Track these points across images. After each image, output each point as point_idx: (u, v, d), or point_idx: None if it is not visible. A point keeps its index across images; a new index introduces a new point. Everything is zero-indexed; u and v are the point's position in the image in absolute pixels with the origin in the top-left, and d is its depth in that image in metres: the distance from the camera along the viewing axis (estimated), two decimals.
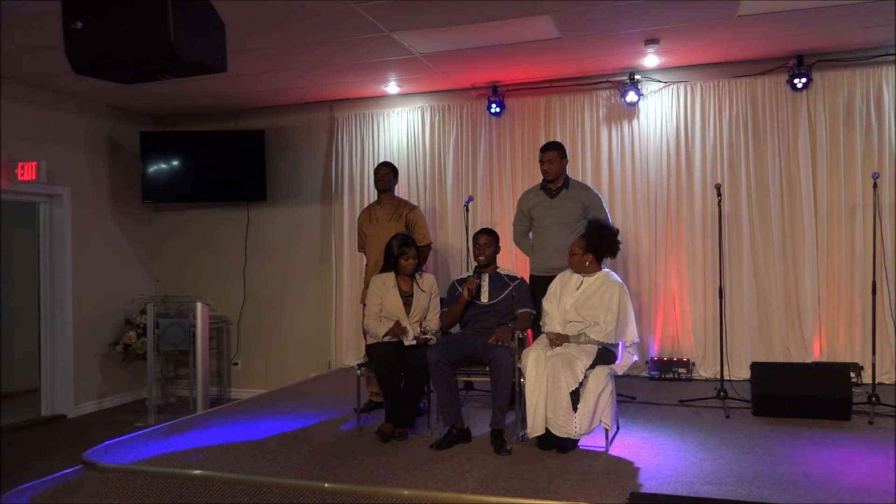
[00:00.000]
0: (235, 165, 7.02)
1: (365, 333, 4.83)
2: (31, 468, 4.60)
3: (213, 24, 3.12)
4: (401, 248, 4.48)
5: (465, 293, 4.39)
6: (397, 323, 4.38)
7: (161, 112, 7.35)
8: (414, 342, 4.32)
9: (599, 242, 4.19)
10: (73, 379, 6.46)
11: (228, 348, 7.32)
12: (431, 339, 4.40)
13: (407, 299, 4.50)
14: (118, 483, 3.70)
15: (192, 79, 3.42)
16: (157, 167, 7.06)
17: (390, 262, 4.54)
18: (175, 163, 7.08)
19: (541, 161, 4.79)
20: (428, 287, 4.57)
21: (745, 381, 5.24)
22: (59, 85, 6.15)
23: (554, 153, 4.76)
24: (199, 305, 5.96)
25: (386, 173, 5.34)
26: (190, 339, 6.56)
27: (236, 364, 7.33)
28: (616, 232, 4.31)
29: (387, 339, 4.35)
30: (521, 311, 4.39)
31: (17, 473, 4.46)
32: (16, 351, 7.15)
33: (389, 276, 4.54)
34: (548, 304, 4.25)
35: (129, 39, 2.88)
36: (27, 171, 5.96)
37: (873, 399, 4.52)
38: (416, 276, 4.57)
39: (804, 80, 5.55)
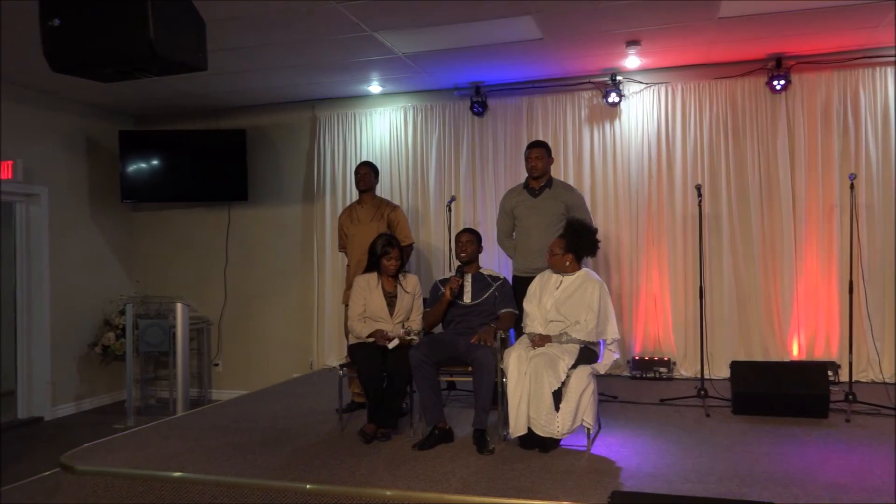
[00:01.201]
0: (216, 165, 6.97)
1: (347, 334, 4.82)
2: (8, 471, 4.53)
3: (193, 22, 3.10)
4: (384, 248, 4.47)
5: (448, 292, 4.39)
6: (380, 332, 4.36)
7: (141, 111, 7.27)
8: (397, 343, 4.30)
9: (579, 242, 4.21)
10: (51, 381, 6.37)
11: (209, 349, 7.26)
12: (414, 339, 4.39)
13: (390, 300, 4.49)
14: (97, 486, 3.66)
15: (172, 77, 3.38)
16: (137, 166, 6.99)
17: (373, 262, 4.53)
18: (155, 162, 7.01)
19: (527, 158, 4.80)
20: (411, 287, 4.56)
21: (724, 379, 5.29)
22: (37, 83, 6.06)
23: (541, 150, 4.79)
24: (179, 306, 5.91)
25: (367, 173, 5.32)
26: (170, 339, 6.51)
27: (217, 365, 7.27)
28: (595, 231, 4.33)
29: (370, 340, 4.34)
30: (503, 311, 4.40)
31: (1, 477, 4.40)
32: None
33: (373, 277, 4.53)
34: (528, 304, 4.26)
35: (108, 37, 2.85)
36: (3, 170, 5.88)
37: (850, 397, 4.58)
38: (400, 276, 4.56)
39: (783, 82, 5.62)
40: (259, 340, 7.14)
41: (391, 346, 4.25)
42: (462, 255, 4.46)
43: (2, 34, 4.75)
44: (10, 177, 5.91)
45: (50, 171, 6.46)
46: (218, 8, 4.26)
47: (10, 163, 5.91)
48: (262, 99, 6.86)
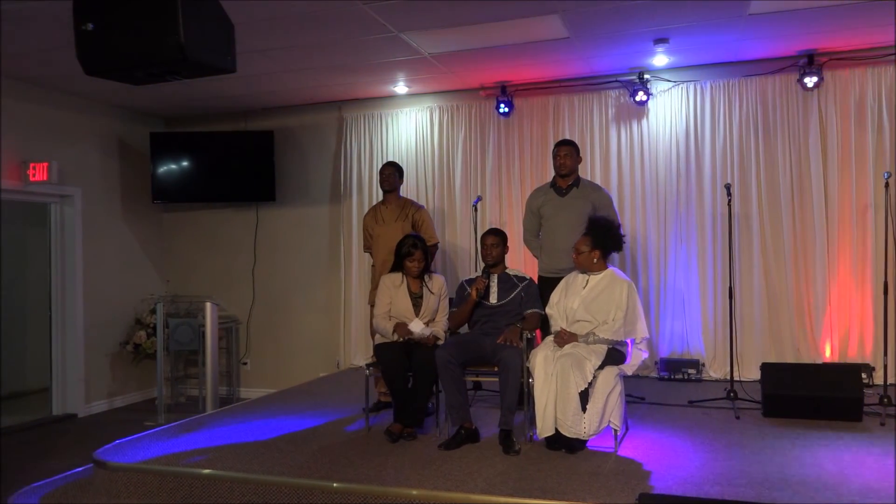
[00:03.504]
0: (245, 166, 7.04)
1: (373, 334, 4.84)
2: (42, 467, 4.63)
3: (222, 25, 3.13)
4: (408, 249, 4.49)
5: (474, 293, 4.38)
6: (401, 325, 4.38)
7: (171, 113, 7.38)
8: (423, 333, 4.31)
9: (605, 238, 4.18)
10: (84, 378, 6.50)
11: (238, 348, 7.35)
12: (440, 338, 4.40)
13: (416, 300, 4.50)
14: (128, 482, 3.72)
15: (201, 80, 3.43)
16: (167, 168, 7.09)
17: (399, 262, 4.55)
18: (185, 163, 7.11)
19: (555, 155, 4.78)
20: (437, 288, 4.57)
21: (755, 381, 5.22)
22: (71, 86, 6.19)
23: (570, 148, 4.77)
24: (208, 305, 5.98)
25: (391, 173, 5.33)
26: (199, 338, 6.59)
27: (245, 364, 7.35)
28: (619, 226, 4.30)
29: (395, 337, 4.36)
30: (529, 311, 4.38)
31: (28, 472, 4.49)
32: (27, 350, 7.20)
33: (398, 277, 4.54)
34: (549, 309, 4.26)
35: (139, 41, 2.90)
36: (38, 172, 6.01)
37: (885, 400, 4.49)
38: (426, 277, 4.57)
39: (815, 79, 5.52)
40: (287, 340, 7.20)
41: (417, 330, 4.28)
42: (488, 258, 4.45)
43: (37, 38, 4.85)
44: (45, 178, 6.03)
45: (83, 173, 6.58)
46: (246, 10, 4.30)
47: (45, 165, 6.03)
48: (289, 100, 6.92)
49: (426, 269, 4.57)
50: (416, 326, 4.35)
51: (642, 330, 4.11)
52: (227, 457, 3.89)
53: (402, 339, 4.34)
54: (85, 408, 6.51)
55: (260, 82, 6.18)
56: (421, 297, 4.51)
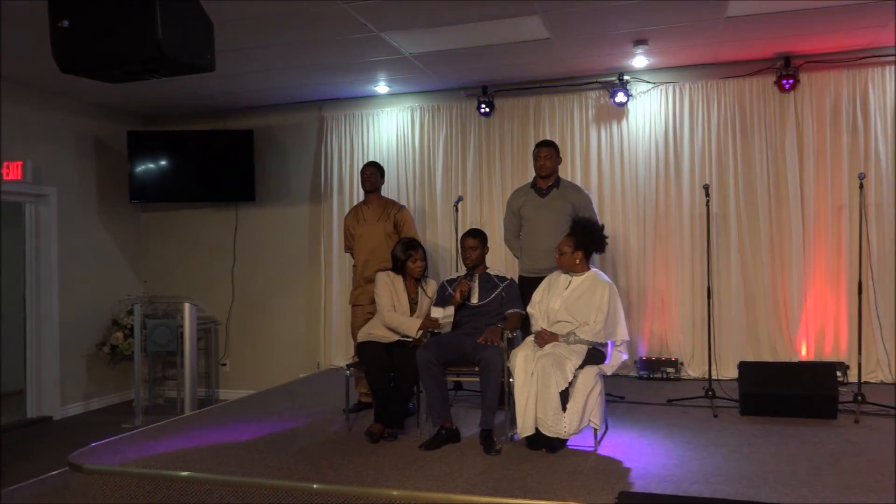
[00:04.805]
0: (224, 165, 6.99)
1: (354, 334, 4.83)
2: (17, 470, 4.56)
3: (201, 23, 3.11)
4: (406, 252, 4.50)
5: (458, 296, 4.39)
6: (428, 316, 4.39)
7: (149, 111, 7.30)
8: (447, 315, 4.38)
9: (588, 239, 4.20)
10: (60, 380, 6.41)
11: (216, 349, 7.29)
12: (423, 339, 4.41)
13: (412, 305, 4.52)
14: (105, 485, 3.67)
15: (180, 78, 3.40)
16: (145, 167, 7.02)
17: (398, 268, 4.54)
18: (163, 163, 7.04)
19: (536, 157, 4.80)
20: (432, 292, 4.60)
21: (732, 380, 5.27)
22: (46, 84, 6.10)
23: (550, 149, 4.79)
24: (186, 306, 5.92)
25: (373, 173, 5.32)
26: (178, 339, 6.53)
27: (224, 365, 7.29)
28: (602, 227, 4.32)
29: (419, 335, 4.35)
30: (510, 311, 4.39)
31: (3, 476, 4.42)
32: (1, 352, 7.08)
33: (398, 279, 4.54)
34: (530, 308, 4.28)
35: (116, 38, 2.87)
36: (13, 171, 5.92)
37: (859, 398, 4.56)
38: (422, 281, 4.58)
39: (791, 81, 5.60)
40: (266, 340, 7.15)
41: (437, 316, 4.37)
42: (468, 261, 4.46)
43: (11, 36, 4.78)
44: (19, 177, 5.94)
45: (59, 172, 6.49)
46: (225, 9, 4.27)
47: (19, 163, 5.94)
48: (269, 99, 6.88)
49: (425, 269, 4.58)
50: (438, 313, 4.39)
51: (623, 333, 4.13)
52: (205, 459, 3.86)
53: (424, 333, 4.36)
54: (60, 410, 6.42)
55: (239, 81, 6.13)
56: (416, 301, 4.53)
